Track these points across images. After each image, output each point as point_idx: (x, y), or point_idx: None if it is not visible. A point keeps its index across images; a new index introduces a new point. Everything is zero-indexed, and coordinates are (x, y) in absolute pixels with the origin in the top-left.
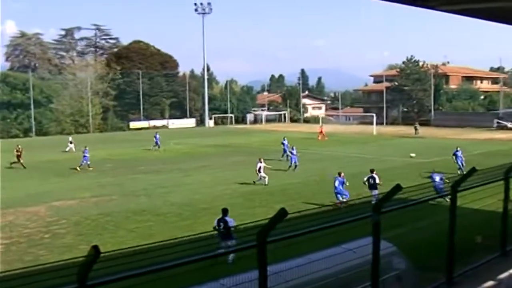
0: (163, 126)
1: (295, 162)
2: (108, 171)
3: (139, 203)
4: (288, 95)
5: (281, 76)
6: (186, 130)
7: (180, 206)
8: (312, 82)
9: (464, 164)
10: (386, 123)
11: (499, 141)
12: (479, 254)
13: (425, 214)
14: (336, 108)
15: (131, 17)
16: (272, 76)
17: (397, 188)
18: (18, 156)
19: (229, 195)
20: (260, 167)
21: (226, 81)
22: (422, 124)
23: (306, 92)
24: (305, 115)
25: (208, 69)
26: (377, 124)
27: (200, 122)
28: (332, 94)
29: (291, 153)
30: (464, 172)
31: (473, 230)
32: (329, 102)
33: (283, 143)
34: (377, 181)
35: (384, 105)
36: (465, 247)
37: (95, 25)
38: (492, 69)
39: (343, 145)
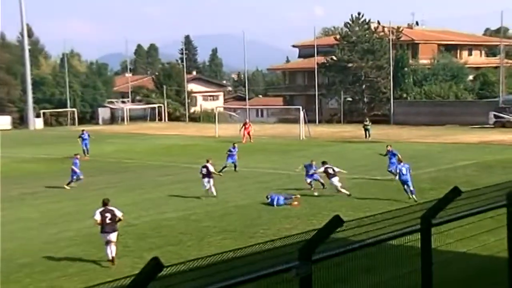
0: None
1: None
2: None
3: None
4: (164, 78)
5: (153, 47)
6: None
7: None
8: (203, 56)
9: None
10: (320, 121)
11: (497, 146)
12: None
13: (380, 263)
14: (242, 98)
15: None
16: (139, 47)
17: (337, 221)
18: None
19: (69, 241)
20: (208, 170)
21: (63, 55)
22: (377, 121)
23: (194, 73)
24: (193, 109)
25: (30, 35)
26: (306, 122)
27: (21, 121)
28: (234, 76)
29: (307, 169)
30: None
31: (461, 286)
32: (230, 89)
33: (231, 151)
34: (336, 169)
35: (316, 92)
36: None
37: None
38: (487, 32)
39: (252, 155)
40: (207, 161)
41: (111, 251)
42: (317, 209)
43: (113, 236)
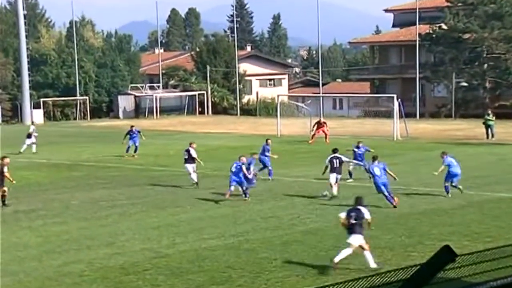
0: None
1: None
2: None
3: None
4: (208, 55)
5: (193, 13)
6: None
7: None
8: (261, 24)
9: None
10: (423, 115)
11: None
12: None
13: None
14: (314, 83)
15: None
16: (174, 12)
17: (446, 254)
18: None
19: (77, 276)
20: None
21: (71, 23)
22: (505, 114)
23: (249, 49)
24: (247, 97)
25: None
26: (403, 116)
27: (14, 113)
28: (303, 53)
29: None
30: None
31: None
32: (297, 70)
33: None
34: (344, 159)
35: (417, 75)
36: None
37: None
38: None
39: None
40: (190, 144)
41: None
42: (417, 237)
43: (354, 240)
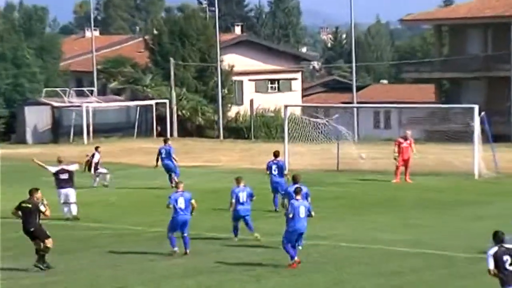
0: None
1: None
2: None
3: None
4: (172, 40)
5: None
6: None
7: None
8: None
9: None
10: None
11: None
12: None
13: None
14: (344, 87)
15: None
16: None
17: None
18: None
19: None
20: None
21: None
22: None
23: (238, 32)
24: (234, 109)
25: None
26: (490, 140)
27: None
28: (327, 37)
29: None
30: None
31: None
32: (315, 65)
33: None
34: None
35: None
36: None
37: None
38: None
39: (367, 213)
40: (59, 162)
41: None
42: None
43: None
